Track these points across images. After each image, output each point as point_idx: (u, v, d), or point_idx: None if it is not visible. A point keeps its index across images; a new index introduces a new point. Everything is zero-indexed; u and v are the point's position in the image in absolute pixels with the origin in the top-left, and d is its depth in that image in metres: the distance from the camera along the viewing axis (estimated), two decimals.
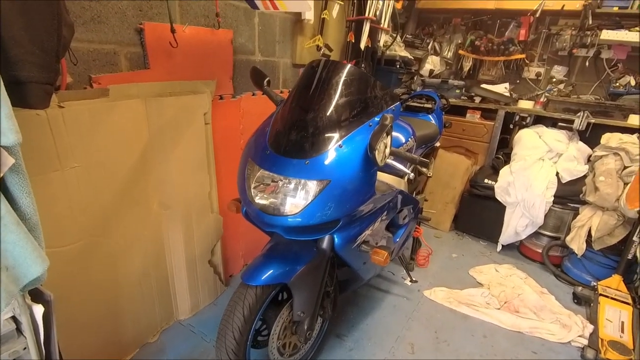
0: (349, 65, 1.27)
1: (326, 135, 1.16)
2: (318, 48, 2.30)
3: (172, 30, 1.44)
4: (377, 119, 1.24)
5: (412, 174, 1.23)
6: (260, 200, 1.19)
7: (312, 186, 1.12)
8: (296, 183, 1.14)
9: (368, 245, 1.35)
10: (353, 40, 2.49)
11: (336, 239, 1.25)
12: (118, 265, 1.46)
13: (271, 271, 1.24)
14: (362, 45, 2.43)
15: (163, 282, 1.71)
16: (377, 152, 1.07)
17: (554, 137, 2.59)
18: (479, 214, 2.87)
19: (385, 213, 1.45)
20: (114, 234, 1.41)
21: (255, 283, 1.22)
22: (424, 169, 2.09)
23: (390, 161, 1.18)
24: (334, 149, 1.14)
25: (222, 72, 1.82)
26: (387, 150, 1.14)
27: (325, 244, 1.30)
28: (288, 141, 1.18)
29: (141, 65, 1.49)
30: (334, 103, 1.20)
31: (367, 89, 1.27)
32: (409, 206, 1.75)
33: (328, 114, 1.19)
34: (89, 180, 1.29)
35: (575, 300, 2.24)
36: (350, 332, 1.84)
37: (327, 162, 1.13)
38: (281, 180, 1.16)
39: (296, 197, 1.14)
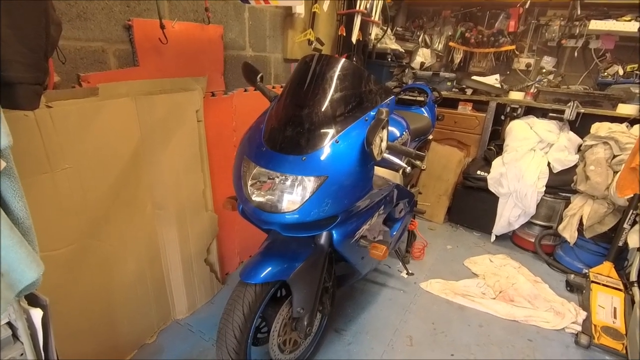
0: (343, 60, 1.26)
1: (322, 130, 1.15)
2: (309, 42, 2.28)
3: (162, 27, 1.41)
4: (372, 113, 1.23)
5: (409, 168, 1.23)
6: (257, 197, 1.18)
7: (310, 182, 1.11)
8: (293, 180, 1.13)
9: (366, 240, 1.35)
10: (344, 34, 2.48)
11: (334, 235, 1.25)
12: (112, 267, 1.44)
13: (269, 269, 1.24)
14: (354, 39, 2.42)
15: (159, 282, 1.69)
16: (373, 146, 1.07)
17: (545, 127, 2.62)
18: (472, 206, 2.90)
19: (382, 207, 1.45)
20: (107, 236, 1.39)
21: (254, 281, 1.21)
22: (418, 162, 2.10)
23: (386, 155, 1.18)
24: (331, 144, 1.13)
25: (213, 69, 1.79)
26: (384, 145, 1.14)
27: (323, 239, 1.30)
28: (284, 137, 1.17)
29: (130, 63, 1.46)
30: (329, 98, 1.19)
31: (362, 83, 1.26)
32: (405, 200, 1.75)
33: (323, 109, 1.18)
34: (80, 181, 1.26)
35: (568, 288, 2.28)
36: (348, 327, 1.85)
37: (323, 158, 1.12)
38: (278, 177, 1.15)
39: (293, 194, 1.13)
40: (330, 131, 1.15)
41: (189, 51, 1.63)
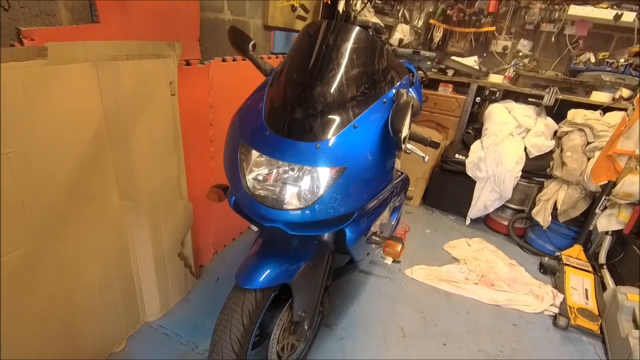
0: (357, 29, 1.08)
1: (337, 113, 0.98)
2: (293, 8, 2.04)
3: None
4: (390, 94, 1.08)
5: (427, 158, 1.11)
6: (258, 190, 1.00)
7: (325, 174, 0.95)
8: (305, 171, 0.96)
9: (378, 236, 1.22)
10: (329, 2, 2.25)
11: (348, 233, 1.10)
12: (73, 272, 1.18)
13: (269, 271, 1.07)
14: (341, 8, 2.21)
15: (127, 284, 1.46)
16: (402, 134, 0.93)
17: (523, 112, 2.63)
18: (448, 189, 2.89)
19: (392, 199, 1.33)
20: (66, 236, 1.13)
21: (254, 286, 1.05)
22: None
23: (409, 145, 1.05)
24: (348, 130, 0.97)
25: (188, 32, 1.52)
26: (408, 132, 1.00)
27: (327, 235, 1.16)
28: (292, 120, 0.98)
29: (87, 19, 1.16)
30: (344, 75, 1.02)
31: (377, 59, 1.10)
32: (405, 188, 1.65)
33: (338, 88, 1.00)
34: (29, 170, 0.99)
35: (542, 270, 2.36)
36: (339, 321, 1.75)
37: (341, 145, 0.96)
38: (285, 167, 0.97)
39: (305, 188, 0.96)
40: (347, 114, 0.99)
41: (161, 8, 1.35)
